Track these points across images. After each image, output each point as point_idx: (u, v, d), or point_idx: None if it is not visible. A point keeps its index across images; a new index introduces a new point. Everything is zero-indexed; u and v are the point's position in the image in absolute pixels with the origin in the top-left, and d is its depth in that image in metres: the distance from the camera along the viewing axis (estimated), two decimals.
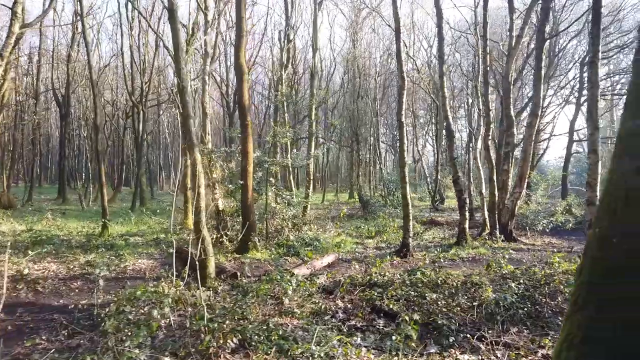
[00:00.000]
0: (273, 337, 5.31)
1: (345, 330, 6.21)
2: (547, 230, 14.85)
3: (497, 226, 13.18)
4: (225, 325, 5.06)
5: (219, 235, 9.99)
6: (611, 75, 28.29)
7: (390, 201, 18.87)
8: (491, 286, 7.50)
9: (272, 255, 9.86)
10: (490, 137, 13.60)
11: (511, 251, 11.14)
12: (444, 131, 14.53)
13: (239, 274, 7.61)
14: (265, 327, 5.48)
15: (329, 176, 39.07)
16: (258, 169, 11.06)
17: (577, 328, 2.55)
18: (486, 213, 13.90)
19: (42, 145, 44.17)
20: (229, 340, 4.87)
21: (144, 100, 18.93)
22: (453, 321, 6.24)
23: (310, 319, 6.34)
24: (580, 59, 26.54)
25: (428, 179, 27.58)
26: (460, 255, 10.83)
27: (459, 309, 6.72)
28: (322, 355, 4.93)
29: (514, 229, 13.70)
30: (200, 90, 13.31)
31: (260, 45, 27.51)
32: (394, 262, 10.17)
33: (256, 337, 5.15)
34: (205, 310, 5.13)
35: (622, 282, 2.43)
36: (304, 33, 51.93)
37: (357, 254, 10.93)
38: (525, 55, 26.08)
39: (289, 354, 4.97)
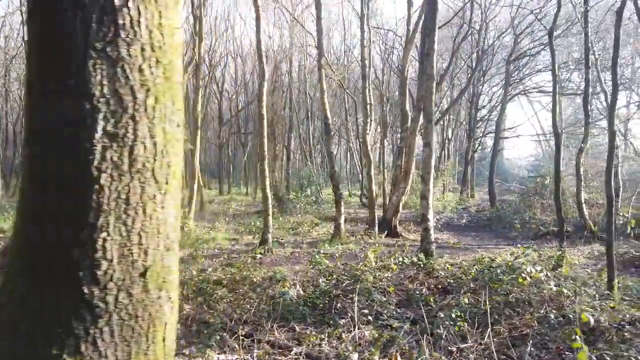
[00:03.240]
0: None
1: None
2: (439, 226, 14.87)
3: (377, 221, 13.07)
4: None
5: None
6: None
7: (302, 197, 18.64)
8: (299, 282, 7.31)
9: None
10: (369, 132, 13.48)
11: (364, 246, 11.02)
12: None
13: None
14: None
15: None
16: None
17: None
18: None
19: None
20: None
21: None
22: (226, 318, 6.01)
23: None
24: (507, 57, 27.00)
25: (360, 175, 27.56)
26: (326, 251, 10.63)
27: (248, 306, 6.48)
28: None
29: (399, 225, 13.65)
30: None
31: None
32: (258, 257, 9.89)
33: None
34: None
35: None
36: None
37: (216, 250, 10.60)
38: (451, 52, 26.35)
39: None
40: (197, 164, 13.89)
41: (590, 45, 14.85)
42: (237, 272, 7.15)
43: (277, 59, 24.74)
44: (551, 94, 31.24)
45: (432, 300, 6.70)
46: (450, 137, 40.17)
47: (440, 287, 7.35)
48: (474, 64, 28.39)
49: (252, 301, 6.46)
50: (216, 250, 10.49)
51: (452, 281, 7.35)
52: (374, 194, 13.11)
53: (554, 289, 5.85)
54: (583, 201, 14.90)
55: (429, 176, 8.46)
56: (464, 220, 15.12)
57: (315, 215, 17.59)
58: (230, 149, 31.70)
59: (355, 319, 5.95)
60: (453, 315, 5.65)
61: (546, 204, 18.24)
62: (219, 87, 28.39)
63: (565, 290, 5.79)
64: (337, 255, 8.86)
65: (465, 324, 5.27)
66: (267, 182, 10.20)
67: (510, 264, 7.29)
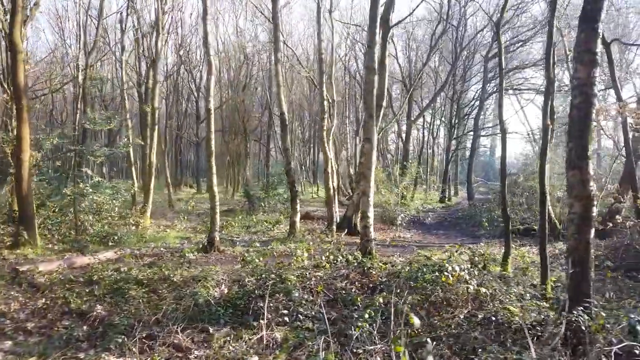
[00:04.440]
0: None
1: (9, 334, 5.65)
2: (404, 224, 14.66)
3: (337, 219, 12.83)
4: None
5: None
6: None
7: (272, 195, 18.35)
8: (225, 282, 7.06)
9: (50, 250, 9.11)
10: (325, 129, 13.20)
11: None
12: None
13: None
14: None
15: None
16: (61, 156, 10.23)
17: None
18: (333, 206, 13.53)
19: None
20: None
21: None
22: (133, 320, 5.74)
23: None
24: (485, 53, 26.78)
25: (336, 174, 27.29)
26: (277, 249, 10.36)
27: (164, 307, 6.22)
28: None
29: (358, 223, 13.40)
30: None
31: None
32: (192, 257, 9.62)
33: None
34: None
35: None
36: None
37: (161, 249, 10.28)
38: (429, 48, 26.09)
39: None
40: (154, 160, 13.54)
41: (555, 41, 14.62)
42: (159, 272, 6.86)
43: (249, 54, 24.33)
44: (534, 91, 30.94)
45: (359, 300, 6.49)
46: (434, 135, 40.01)
47: (371, 285, 7.12)
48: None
49: (167, 302, 6.20)
50: (161, 249, 10.18)
51: (384, 280, 7.12)
52: (332, 192, 12.85)
53: (472, 288, 5.61)
54: (548, 199, 14.70)
55: (370, 172, 8.22)
56: (429, 219, 14.91)
57: (285, 214, 17.31)
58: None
59: (266, 320, 5.72)
60: (366, 316, 5.41)
61: (517, 201, 18.08)
62: (197, 84, 27.98)
63: (483, 290, 5.56)
64: (276, 254, 8.61)
65: (374, 325, 5.03)
66: (214, 179, 9.89)
67: (445, 262, 7.07)
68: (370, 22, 8.29)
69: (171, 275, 6.73)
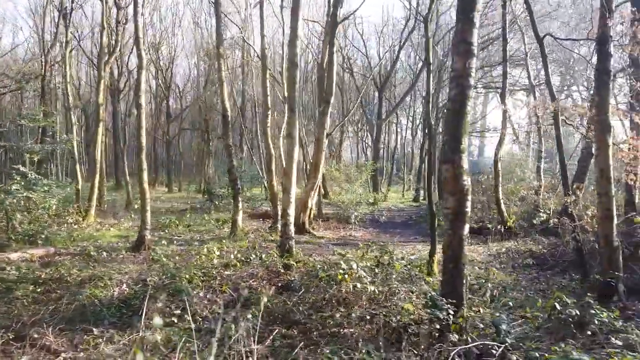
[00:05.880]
0: None
1: None
2: (357, 222, 14.50)
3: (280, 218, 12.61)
4: None
5: None
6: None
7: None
8: (127, 281, 6.85)
9: None
10: (269, 124, 12.97)
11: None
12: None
13: None
14: None
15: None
16: None
17: None
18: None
19: None
20: None
21: None
22: (13, 321, 5.52)
23: None
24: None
25: None
26: (211, 249, 10.14)
27: (47, 307, 5.99)
28: None
29: (309, 221, 13.23)
30: None
31: None
32: (122, 255, 9.39)
33: None
34: None
35: None
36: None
37: (93, 247, 10.01)
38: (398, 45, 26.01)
39: None
40: (98, 158, 13.27)
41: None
42: (55, 271, 6.62)
43: (210, 51, 24.00)
44: (523, 90, 30.71)
45: (261, 299, 6.31)
46: (414, 134, 39.85)
47: (280, 284, 6.95)
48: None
49: (52, 302, 5.98)
50: (92, 248, 9.90)
51: (294, 279, 6.96)
52: (275, 190, 12.66)
53: (360, 286, 5.46)
54: (501, 197, 14.66)
55: (291, 169, 8.04)
56: (384, 217, 14.78)
57: (244, 212, 17.05)
58: (182, 145, 30.88)
59: (149, 321, 5.53)
60: (249, 316, 5.23)
61: (475, 199, 17.97)
62: (167, 82, 27.63)
63: (371, 288, 5.41)
64: (194, 252, 8.42)
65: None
66: (144, 176, 9.65)
67: (360, 258, 6.92)
68: (291, 17, 8.09)
69: (66, 275, 6.49)
